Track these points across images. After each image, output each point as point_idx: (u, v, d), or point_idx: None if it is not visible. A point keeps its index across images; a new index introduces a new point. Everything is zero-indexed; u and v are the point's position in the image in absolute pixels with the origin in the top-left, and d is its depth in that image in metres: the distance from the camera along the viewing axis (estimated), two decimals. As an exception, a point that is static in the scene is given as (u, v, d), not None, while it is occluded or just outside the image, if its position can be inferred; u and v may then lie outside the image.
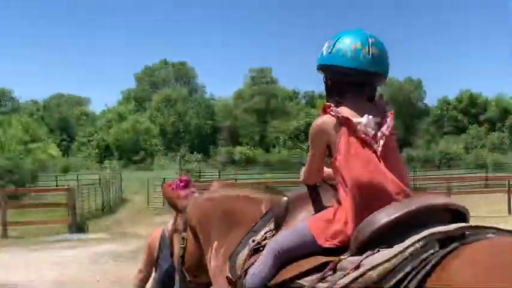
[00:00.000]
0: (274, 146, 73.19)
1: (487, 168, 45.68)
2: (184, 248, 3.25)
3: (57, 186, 33.33)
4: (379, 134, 2.24)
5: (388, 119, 2.28)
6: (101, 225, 19.22)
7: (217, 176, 38.52)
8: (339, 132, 2.23)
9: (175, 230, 3.42)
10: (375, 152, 2.20)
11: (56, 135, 72.58)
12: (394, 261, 1.89)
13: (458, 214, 2.15)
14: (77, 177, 37.78)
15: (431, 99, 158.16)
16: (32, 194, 28.39)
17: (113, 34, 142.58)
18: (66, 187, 21.44)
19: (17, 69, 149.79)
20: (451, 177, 29.32)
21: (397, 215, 2.01)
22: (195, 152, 49.06)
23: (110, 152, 69.72)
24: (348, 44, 2.30)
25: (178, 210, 3.33)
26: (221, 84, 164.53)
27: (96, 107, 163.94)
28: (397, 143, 2.42)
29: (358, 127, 2.21)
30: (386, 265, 1.90)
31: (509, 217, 17.57)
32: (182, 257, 3.26)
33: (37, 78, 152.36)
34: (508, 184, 20.22)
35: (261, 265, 2.34)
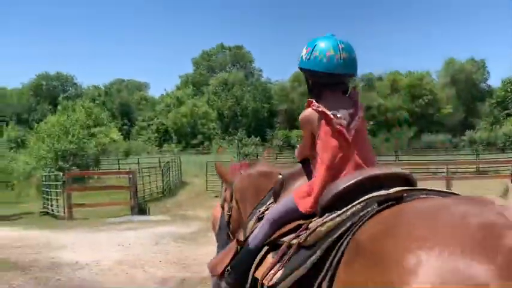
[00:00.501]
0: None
1: (555, 151, 43.71)
2: (230, 215, 4.00)
3: (119, 169, 34.28)
4: (352, 124, 2.76)
5: (359, 111, 2.81)
6: (162, 207, 19.64)
7: (275, 160, 38.58)
8: (319, 123, 2.79)
9: (224, 200, 4.10)
10: (346, 139, 2.73)
11: (117, 120, 74.45)
12: (338, 219, 2.41)
13: (407, 181, 2.66)
14: (138, 160, 38.71)
15: (495, 81, 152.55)
16: (95, 177, 29.36)
17: (170, 20, 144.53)
18: (127, 170, 21.99)
19: (79, 55, 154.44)
20: (517, 161, 28.16)
21: (349, 183, 2.55)
22: (252, 136, 49.15)
23: (169, 136, 70.91)
24: (323, 51, 2.81)
25: (227, 184, 4.00)
26: (278, 67, 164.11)
27: (155, 92, 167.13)
28: (366, 126, 2.94)
29: (334, 120, 2.74)
30: (330, 223, 2.42)
31: None
32: (228, 222, 4.03)
33: (99, 64, 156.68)
34: None
35: (259, 230, 2.94)
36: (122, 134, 63.18)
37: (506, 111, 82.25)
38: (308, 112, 2.86)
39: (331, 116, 2.74)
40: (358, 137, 2.77)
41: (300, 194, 2.83)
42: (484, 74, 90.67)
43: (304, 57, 2.91)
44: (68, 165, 28.77)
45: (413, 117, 75.66)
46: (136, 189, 18.27)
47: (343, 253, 2.23)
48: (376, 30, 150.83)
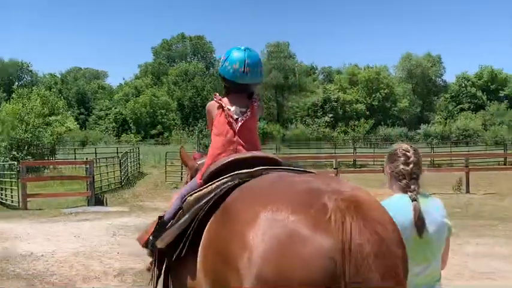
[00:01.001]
0: (291, 122, 72.99)
1: (505, 145, 45.11)
2: None
3: (75, 159, 33.66)
4: (239, 118, 3.38)
5: (249, 111, 3.43)
6: (119, 198, 19.42)
7: (234, 151, 38.66)
8: (217, 112, 3.44)
9: (186, 182, 4.40)
10: (233, 129, 3.36)
11: (73, 109, 73.05)
12: (205, 190, 3.02)
13: (272, 162, 3.21)
14: (95, 150, 38.12)
15: (450, 76, 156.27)
16: (50, 167, 28.75)
17: (131, 7, 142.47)
18: (84, 160, 21.64)
19: (35, 42, 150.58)
20: (469, 154, 29.00)
21: (222, 163, 3.19)
22: (212, 127, 49.37)
23: (127, 125, 70.12)
24: (232, 63, 3.44)
25: (188, 168, 4.37)
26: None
27: (113, 81, 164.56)
28: (257, 124, 3.63)
29: (227, 112, 3.39)
30: (198, 193, 3.05)
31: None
32: None
33: (55, 52, 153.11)
34: (528, 162, 19.93)
35: (172, 205, 3.47)
36: (78, 123, 62.10)
37: (459, 106, 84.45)
38: (211, 103, 3.54)
39: (226, 109, 3.41)
40: (244, 130, 3.40)
41: (201, 170, 3.43)
42: (440, 69, 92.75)
43: (220, 64, 3.59)
44: (22, 155, 28.14)
45: (371, 110, 76.88)
46: (94, 180, 18.01)
47: (208, 215, 2.84)
48: (336, 24, 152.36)
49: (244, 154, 3.28)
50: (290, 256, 2.07)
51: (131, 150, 31.18)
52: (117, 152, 32.25)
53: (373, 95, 78.63)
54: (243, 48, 3.49)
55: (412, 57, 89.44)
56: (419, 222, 2.78)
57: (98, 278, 7.63)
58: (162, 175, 25.70)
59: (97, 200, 17.78)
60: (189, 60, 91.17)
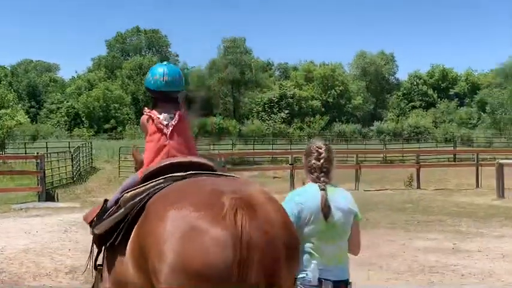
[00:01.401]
0: (247, 117, 73.05)
1: (455, 142, 46.46)
2: None
3: (25, 153, 32.77)
4: (169, 124, 3.79)
5: (178, 116, 3.84)
6: (71, 194, 19.04)
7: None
8: (148, 123, 3.86)
9: None
10: (165, 133, 3.77)
11: (24, 102, 71.06)
12: (141, 189, 3.36)
13: (208, 167, 3.60)
14: (46, 145, 37.22)
15: (403, 74, 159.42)
16: (0, 161, 27.92)
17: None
18: (35, 155, 21.08)
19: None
20: (420, 151, 29.75)
21: (155, 167, 3.56)
22: (167, 122, 48.77)
23: (80, 120, 68.76)
24: (153, 75, 3.96)
25: (136, 162, 4.60)
26: (194, 53, 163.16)
27: (65, 74, 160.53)
28: (189, 126, 4.02)
29: (157, 120, 3.81)
30: (133, 192, 3.38)
31: (478, 190, 17.91)
32: None
33: (5, 44, 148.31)
34: (477, 158, 20.54)
35: (113, 197, 3.75)
36: (29, 117, 60.42)
37: (411, 104, 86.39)
38: (142, 117, 3.98)
39: (155, 118, 3.82)
40: (175, 133, 3.79)
41: (141, 169, 3.81)
42: (393, 67, 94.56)
43: (145, 79, 4.07)
44: (-31, 149, 27.25)
45: (326, 107, 77.74)
46: (45, 175, 17.57)
47: (140, 212, 3.19)
48: (292, 20, 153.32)
49: (182, 158, 3.65)
50: (192, 245, 2.57)
51: (84, 145, 30.61)
52: (69, 147, 31.50)
53: (328, 92, 79.50)
54: (164, 63, 4.11)
55: (367, 55, 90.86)
56: (326, 209, 3.32)
57: (49, 275, 7.47)
58: (116, 170, 25.34)
59: (48, 195, 17.36)
60: (143, 53, 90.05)
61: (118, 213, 3.44)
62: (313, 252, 3.34)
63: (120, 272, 3.32)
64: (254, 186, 3.05)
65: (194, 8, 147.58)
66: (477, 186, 18.82)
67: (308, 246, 3.33)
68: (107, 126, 66.37)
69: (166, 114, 3.84)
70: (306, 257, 3.32)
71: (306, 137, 59.35)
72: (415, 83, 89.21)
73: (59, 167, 22.65)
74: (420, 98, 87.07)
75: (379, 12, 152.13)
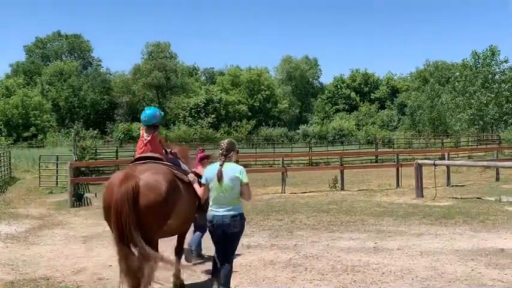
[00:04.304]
0: (174, 123, 72.38)
1: (376, 144, 48.00)
2: None
3: None
4: (147, 138, 6.66)
5: (151, 135, 6.67)
6: (-12, 205, 18.09)
7: (115, 154, 37.53)
8: (141, 138, 6.76)
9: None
10: (145, 143, 6.65)
11: None
12: (129, 165, 6.54)
13: (155, 158, 6.48)
14: (-39, 154, 35.21)
15: (328, 78, 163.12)
16: None
17: (2, 2, 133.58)
18: None
19: None
20: (343, 153, 30.51)
21: (136, 157, 6.63)
22: (90, 129, 47.11)
23: (-2, 128, 65.75)
24: (142, 115, 6.78)
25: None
26: (118, 58, 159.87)
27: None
28: (157, 140, 6.73)
29: (142, 136, 6.74)
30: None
31: (398, 190, 18.52)
32: None
33: None
34: (397, 159, 21.23)
35: None
36: None
37: (335, 107, 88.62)
38: (140, 132, 6.95)
39: (142, 135, 6.78)
40: (150, 143, 6.65)
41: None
42: (317, 71, 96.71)
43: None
44: None
45: (253, 111, 78.29)
46: (-42, 187, 16.64)
47: None
48: (218, 25, 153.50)
49: (144, 154, 6.58)
50: (106, 192, 5.93)
51: (2, 154, 29.25)
52: (-14, 156, 30.02)
53: (255, 97, 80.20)
54: (146, 108, 6.91)
55: (292, 59, 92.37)
56: (219, 176, 5.89)
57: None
58: (36, 180, 24.37)
59: (-38, 208, 16.42)
60: (65, 59, 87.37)
61: None
62: (212, 198, 5.98)
63: None
64: (149, 168, 6.11)
65: (117, 11, 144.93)
66: (397, 186, 19.45)
67: (210, 195, 6.02)
68: (26, 134, 63.82)
69: (147, 134, 6.68)
70: (210, 201, 6.03)
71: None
72: (338, 86, 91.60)
73: (-26, 178, 21.50)
74: (344, 101, 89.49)
75: (303, 16, 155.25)
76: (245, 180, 5.89)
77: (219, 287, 5.86)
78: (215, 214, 5.87)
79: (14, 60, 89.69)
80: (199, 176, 6.67)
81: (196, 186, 6.51)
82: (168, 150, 6.99)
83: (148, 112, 6.72)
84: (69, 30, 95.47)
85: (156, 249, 5.80)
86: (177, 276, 6.78)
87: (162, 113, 7.14)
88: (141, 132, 6.77)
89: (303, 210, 13.70)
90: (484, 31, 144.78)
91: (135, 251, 5.44)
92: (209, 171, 6.02)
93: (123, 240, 5.45)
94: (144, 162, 6.28)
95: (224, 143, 6.11)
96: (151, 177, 5.82)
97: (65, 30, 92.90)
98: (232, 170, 5.92)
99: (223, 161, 5.94)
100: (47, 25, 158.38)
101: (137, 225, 5.47)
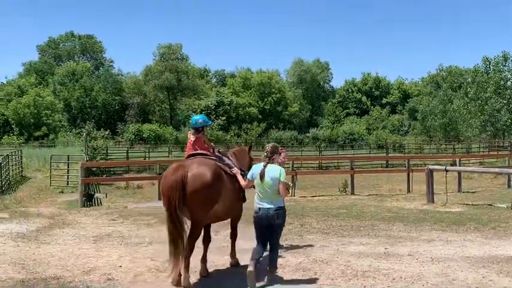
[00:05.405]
0: (184, 124, 72.50)
1: (387, 148, 47.80)
2: None
3: (-50, 162, 31.13)
4: (192, 139, 7.95)
5: (197, 136, 7.95)
6: (0, 204, 18.23)
7: (125, 154, 37.66)
8: (188, 140, 8.11)
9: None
10: (191, 143, 7.92)
11: (-51, 108, 67.81)
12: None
13: (203, 155, 7.76)
14: (-27, 153, 35.52)
15: (339, 82, 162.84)
16: None
17: (16, 2, 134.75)
18: (-40, 164, 20.11)
19: None
20: (354, 157, 30.42)
21: (187, 155, 7.97)
22: (101, 129, 47.32)
23: (10, 127, 66.23)
24: (192, 120, 8.25)
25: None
26: (130, 59, 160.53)
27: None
28: (202, 140, 7.96)
29: (189, 137, 8.05)
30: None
31: (409, 195, 18.41)
32: None
33: None
34: (408, 164, 21.12)
35: None
36: (-46, 124, 57.68)
37: (346, 111, 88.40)
38: (188, 134, 8.30)
39: (189, 136, 8.03)
40: (195, 143, 7.84)
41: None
42: (328, 75, 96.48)
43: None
44: None
45: (263, 114, 78.26)
46: (-30, 185, 16.78)
47: None
48: (230, 27, 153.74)
49: (192, 151, 7.79)
50: (162, 180, 7.31)
51: (13, 153, 29.47)
52: (-2, 155, 30.26)
53: (266, 99, 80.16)
54: (194, 115, 8.61)
55: (303, 63, 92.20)
56: (262, 174, 7.02)
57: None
58: (47, 179, 24.52)
59: (-26, 206, 16.55)
60: (77, 59, 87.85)
61: None
62: (257, 193, 7.11)
63: None
64: (198, 161, 7.34)
65: (130, 12, 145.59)
66: (408, 191, 19.37)
67: (256, 190, 7.14)
68: (38, 133, 64.24)
69: (193, 135, 7.89)
70: (255, 195, 7.14)
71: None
72: (349, 90, 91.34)
73: (-14, 177, 21.65)
74: (354, 105, 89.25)
75: (315, 20, 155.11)
76: (282, 179, 6.99)
77: (267, 268, 7.13)
78: (260, 207, 7.01)
79: (26, 60, 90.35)
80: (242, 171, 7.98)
81: (239, 177, 7.66)
82: (216, 149, 8.15)
83: (194, 118, 8.08)
84: (82, 31, 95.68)
85: (205, 231, 7.74)
86: (232, 256, 8.26)
87: (208, 120, 8.25)
88: (188, 135, 8.10)
89: (313, 214, 13.65)
90: (497, 36, 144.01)
91: (179, 226, 6.89)
92: (255, 169, 7.22)
93: (171, 218, 6.90)
94: (193, 158, 7.57)
95: (269, 146, 7.25)
96: (197, 168, 7.07)
97: (78, 31, 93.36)
98: (274, 170, 7.07)
99: (267, 162, 7.12)
100: (60, 25, 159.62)
101: (184, 208, 6.89)
